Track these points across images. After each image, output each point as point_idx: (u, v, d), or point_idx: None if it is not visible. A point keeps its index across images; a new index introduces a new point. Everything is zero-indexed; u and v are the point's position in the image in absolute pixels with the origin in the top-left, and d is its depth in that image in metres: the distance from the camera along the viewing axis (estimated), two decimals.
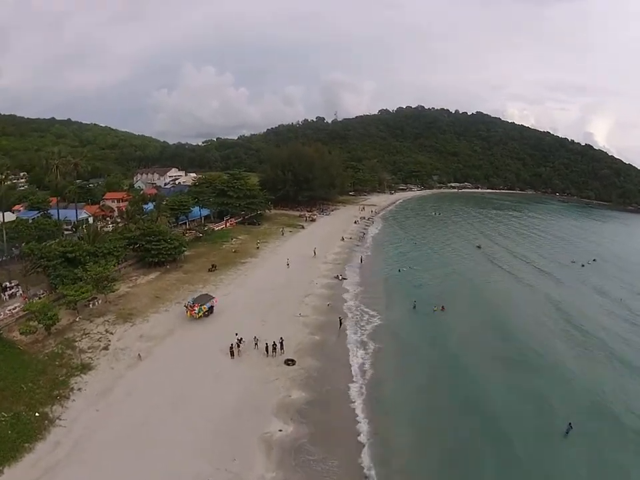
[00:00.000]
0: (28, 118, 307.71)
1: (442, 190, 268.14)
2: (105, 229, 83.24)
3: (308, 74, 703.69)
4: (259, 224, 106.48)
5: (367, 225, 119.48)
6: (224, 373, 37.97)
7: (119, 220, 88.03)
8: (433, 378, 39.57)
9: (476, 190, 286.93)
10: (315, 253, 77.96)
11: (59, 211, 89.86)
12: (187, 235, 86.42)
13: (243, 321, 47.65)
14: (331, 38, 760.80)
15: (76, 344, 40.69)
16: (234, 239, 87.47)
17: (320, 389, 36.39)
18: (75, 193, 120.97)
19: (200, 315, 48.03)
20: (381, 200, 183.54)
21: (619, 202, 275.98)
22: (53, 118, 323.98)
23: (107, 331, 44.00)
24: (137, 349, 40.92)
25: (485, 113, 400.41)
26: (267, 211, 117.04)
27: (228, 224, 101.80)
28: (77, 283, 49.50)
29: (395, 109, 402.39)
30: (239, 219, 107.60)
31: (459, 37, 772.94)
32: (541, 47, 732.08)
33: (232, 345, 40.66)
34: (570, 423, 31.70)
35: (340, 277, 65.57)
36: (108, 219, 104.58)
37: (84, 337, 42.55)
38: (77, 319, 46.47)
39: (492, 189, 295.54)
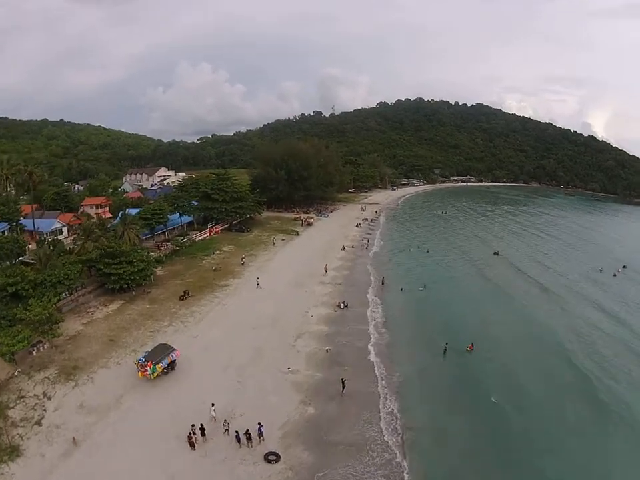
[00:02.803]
0: (20, 120, 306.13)
1: (445, 184, 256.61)
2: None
3: (304, 69, 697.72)
4: (247, 230, 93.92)
5: (370, 229, 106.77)
6: (180, 476, 26.17)
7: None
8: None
9: (480, 184, 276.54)
10: (326, 270, 66.30)
11: (28, 221, 78.89)
12: (162, 248, 74.28)
13: (211, 383, 35.86)
14: (326, 32, 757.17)
15: (8, 412, 31.78)
16: (217, 252, 75.03)
17: None
18: (52, 199, 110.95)
19: (155, 375, 36.05)
20: (383, 197, 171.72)
21: (625, 194, 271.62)
22: (46, 119, 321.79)
23: (44, 394, 34.12)
24: (74, 426, 30.40)
25: (485, 104, 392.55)
26: (257, 214, 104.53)
27: (213, 232, 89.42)
28: (15, 326, 39.83)
29: (394, 101, 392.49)
30: (226, 225, 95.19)
31: (455, 30, 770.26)
32: (537, 40, 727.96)
33: (190, 432, 28.67)
34: None
35: (342, 305, 52.73)
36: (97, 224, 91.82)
37: (19, 401, 33.18)
38: (16, 373, 36.64)
39: (496, 182, 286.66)
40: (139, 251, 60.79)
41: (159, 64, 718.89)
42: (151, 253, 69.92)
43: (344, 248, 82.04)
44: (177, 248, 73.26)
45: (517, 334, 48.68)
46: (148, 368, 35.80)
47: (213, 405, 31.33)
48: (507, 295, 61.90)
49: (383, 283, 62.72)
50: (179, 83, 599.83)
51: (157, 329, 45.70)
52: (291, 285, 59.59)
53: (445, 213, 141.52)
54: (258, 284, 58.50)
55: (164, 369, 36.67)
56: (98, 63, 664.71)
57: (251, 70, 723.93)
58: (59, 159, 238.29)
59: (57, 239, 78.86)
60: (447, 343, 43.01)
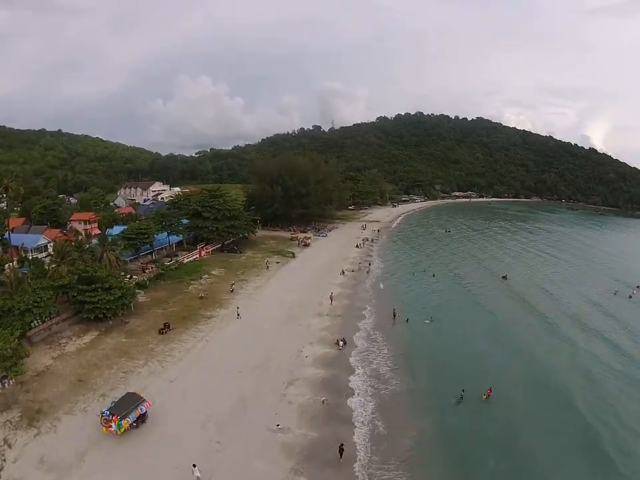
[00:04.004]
0: (18, 129, 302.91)
1: (446, 201, 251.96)
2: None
3: (303, 83, 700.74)
4: (240, 251, 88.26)
5: (371, 250, 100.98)
6: None
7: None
8: None
9: (482, 199, 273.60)
10: (331, 300, 60.32)
11: (15, 236, 74.71)
12: (146, 271, 68.85)
13: (187, 442, 30.22)
14: (326, 47, 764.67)
15: None
16: (205, 276, 69.36)
17: None
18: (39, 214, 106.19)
19: (122, 430, 30.62)
20: (384, 215, 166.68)
21: (627, 207, 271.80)
22: (44, 129, 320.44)
23: (5, 441, 30.32)
24: None
25: (485, 118, 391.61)
26: (251, 233, 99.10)
27: (203, 252, 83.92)
28: None
29: (393, 116, 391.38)
30: (218, 246, 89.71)
31: (454, 44, 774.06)
32: (536, 53, 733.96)
33: None
34: None
35: (341, 343, 46.48)
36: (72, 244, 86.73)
37: None
38: None
39: (497, 198, 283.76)
40: (119, 276, 55.57)
41: (159, 76, 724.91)
42: (134, 277, 64.95)
43: (343, 272, 76.13)
44: (162, 271, 67.64)
45: (533, 377, 42.49)
46: (113, 424, 30.79)
47: (194, 465, 26.66)
48: (519, 328, 55.52)
49: (394, 316, 56.19)
50: (179, 96, 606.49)
51: (130, 368, 40.31)
52: (284, 317, 53.67)
53: (449, 232, 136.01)
54: (238, 314, 53.12)
55: (131, 424, 31.26)
56: (97, 74, 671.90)
57: (250, 83, 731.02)
58: (55, 170, 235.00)
59: (38, 257, 73.82)
60: (463, 390, 37.22)
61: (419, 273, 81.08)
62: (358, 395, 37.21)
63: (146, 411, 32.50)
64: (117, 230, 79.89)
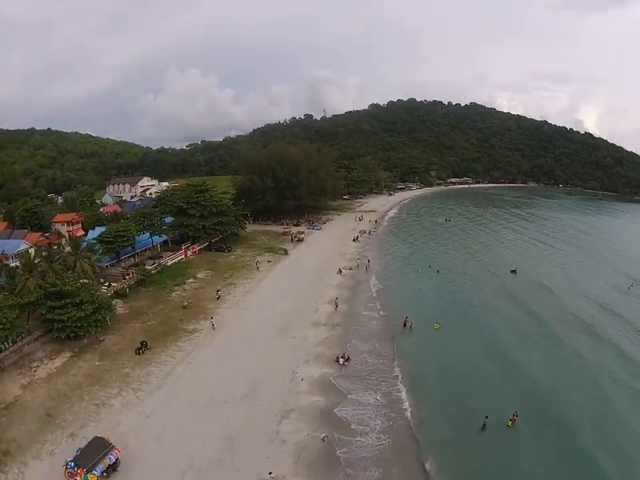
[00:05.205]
0: (7, 130, 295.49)
1: (442, 187, 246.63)
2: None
3: (294, 72, 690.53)
4: (229, 250, 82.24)
5: (369, 244, 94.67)
6: None
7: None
8: None
9: (478, 185, 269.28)
10: (336, 305, 54.89)
11: None
12: (127, 277, 63.20)
13: None
14: (316, 35, 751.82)
15: None
16: (190, 280, 63.79)
17: None
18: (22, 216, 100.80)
19: None
20: (380, 204, 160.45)
21: (625, 192, 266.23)
22: (33, 128, 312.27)
23: None
24: None
25: (478, 103, 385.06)
26: (241, 230, 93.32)
27: (189, 252, 78.12)
28: None
29: (386, 102, 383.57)
30: (205, 244, 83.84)
31: (443, 29, 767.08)
32: (526, 37, 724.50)
33: None
34: None
35: (341, 360, 41.02)
36: (55, 248, 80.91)
37: None
38: None
39: (494, 183, 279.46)
40: (93, 288, 49.76)
41: (148, 70, 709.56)
42: (113, 284, 59.37)
43: (341, 271, 70.26)
44: (143, 277, 61.83)
45: (561, 396, 37.40)
46: (78, 477, 26.24)
47: None
48: (533, 334, 50.11)
49: (404, 325, 50.35)
50: (169, 89, 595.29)
51: (103, 400, 35.16)
52: (276, 329, 47.96)
53: (449, 221, 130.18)
54: (213, 325, 48.14)
55: (99, 476, 26.58)
56: (87, 70, 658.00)
57: (240, 74, 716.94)
58: (45, 169, 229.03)
59: (15, 266, 67.77)
60: (486, 417, 32.28)
61: (422, 269, 75.32)
62: (364, 428, 31.74)
63: (116, 460, 27.56)
64: (98, 231, 73.72)
